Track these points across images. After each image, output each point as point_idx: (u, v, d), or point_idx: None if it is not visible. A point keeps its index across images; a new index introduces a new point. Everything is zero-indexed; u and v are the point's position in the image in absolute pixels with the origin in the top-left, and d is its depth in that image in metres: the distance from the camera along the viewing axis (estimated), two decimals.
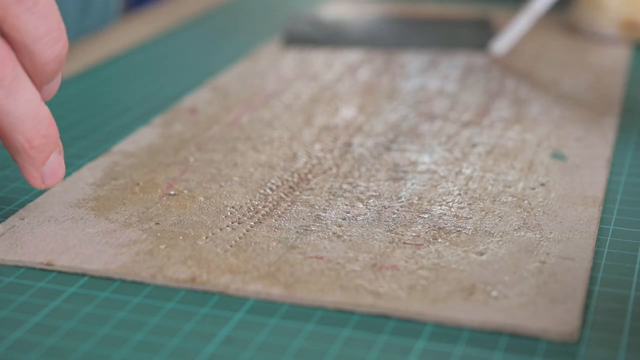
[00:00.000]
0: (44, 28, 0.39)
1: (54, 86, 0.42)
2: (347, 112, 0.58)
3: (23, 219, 0.44)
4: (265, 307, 0.37)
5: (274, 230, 0.43)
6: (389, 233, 0.42)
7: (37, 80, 0.40)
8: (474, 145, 0.53)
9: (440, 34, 0.76)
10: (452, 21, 0.80)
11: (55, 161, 0.42)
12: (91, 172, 0.49)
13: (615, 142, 0.55)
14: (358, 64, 0.68)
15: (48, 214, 0.44)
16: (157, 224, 0.43)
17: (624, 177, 0.50)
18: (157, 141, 0.53)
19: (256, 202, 0.45)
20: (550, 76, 0.66)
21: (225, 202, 0.45)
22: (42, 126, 0.40)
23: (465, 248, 0.41)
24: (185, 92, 0.62)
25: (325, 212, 0.44)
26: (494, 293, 0.37)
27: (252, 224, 0.43)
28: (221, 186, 0.47)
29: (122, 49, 0.72)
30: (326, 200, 0.45)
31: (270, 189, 0.47)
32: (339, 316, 0.37)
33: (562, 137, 0.54)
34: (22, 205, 0.46)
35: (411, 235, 0.42)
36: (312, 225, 0.43)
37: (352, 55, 0.70)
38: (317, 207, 0.45)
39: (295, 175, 0.48)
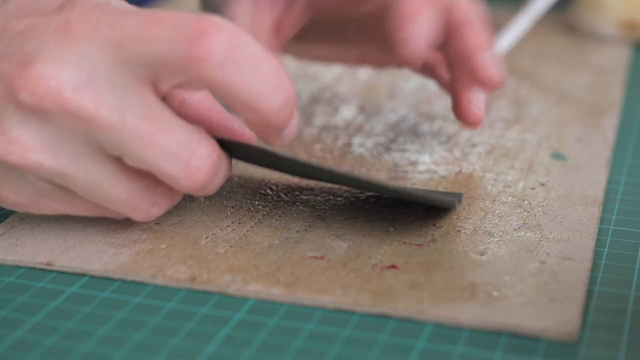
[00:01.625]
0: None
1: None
2: (347, 112, 0.57)
3: (23, 219, 0.44)
4: (265, 307, 0.37)
5: (275, 230, 0.43)
6: (389, 233, 0.42)
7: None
8: (474, 145, 0.53)
9: None
10: None
11: (294, 120, 0.40)
12: None
13: (615, 142, 0.55)
14: None
15: (48, 214, 0.44)
16: (157, 223, 0.43)
17: (624, 177, 0.50)
18: None
19: (256, 202, 0.45)
20: (550, 76, 0.66)
21: (225, 202, 0.45)
22: (284, 92, 0.37)
23: (465, 248, 0.41)
24: None
25: (325, 212, 0.44)
26: (494, 293, 0.37)
27: (253, 224, 0.43)
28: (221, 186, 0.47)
29: None
30: (326, 200, 0.45)
31: (271, 189, 0.47)
32: (339, 316, 0.37)
33: (562, 137, 0.54)
34: None
35: (411, 235, 0.42)
36: (312, 225, 0.43)
37: None
38: (317, 207, 0.45)
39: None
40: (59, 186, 0.39)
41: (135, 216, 0.40)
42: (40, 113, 0.37)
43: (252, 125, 0.39)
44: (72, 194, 0.40)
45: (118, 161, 0.38)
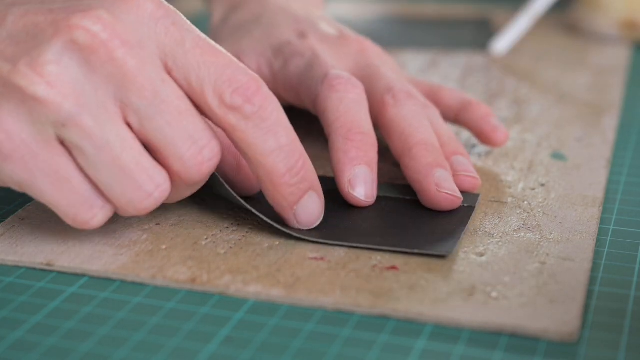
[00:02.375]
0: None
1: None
2: None
3: (23, 219, 0.44)
4: (265, 307, 0.37)
5: (275, 231, 0.43)
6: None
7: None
8: (473, 146, 0.53)
9: (440, 34, 0.76)
10: (452, 21, 0.80)
11: (310, 201, 0.41)
12: None
13: (615, 142, 0.55)
14: None
15: (48, 214, 0.44)
16: (157, 224, 0.43)
17: (624, 177, 0.50)
18: None
19: None
20: (550, 76, 0.66)
21: (226, 203, 0.45)
22: (293, 161, 0.40)
23: (465, 248, 0.41)
24: None
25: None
26: (494, 294, 0.37)
27: (253, 224, 0.43)
28: None
29: None
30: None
31: None
32: (339, 316, 0.37)
33: (562, 137, 0.54)
34: (22, 205, 0.46)
35: None
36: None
37: None
38: None
39: None
40: (61, 144, 0.38)
41: (136, 197, 0.39)
42: (85, 53, 0.38)
43: (262, 185, 0.41)
44: (66, 160, 0.38)
45: (133, 132, 0.39)
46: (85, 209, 0.39)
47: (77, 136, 0.38)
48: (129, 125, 0.38)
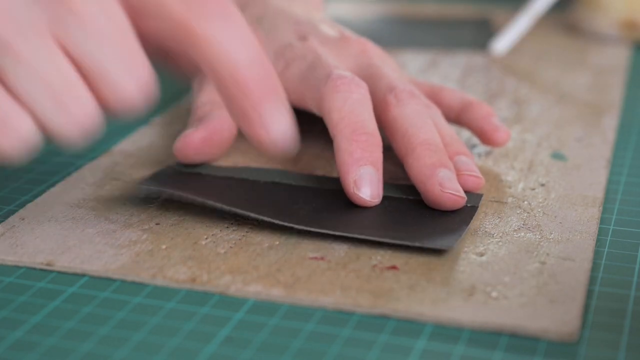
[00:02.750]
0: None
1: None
2: None
3: (23, 219, 0.44)
4: (265, 307, 0.37)
5: (275, 231, 0.43)
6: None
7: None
8: (474, 146, 0.53)
9: (440, 34, 0.76)
10: (452, 21, 0.80)
11: (277, 113, 0.39)
12: (91, 172, 0.49)
13: (615, 142, 0.55)
14: None
15: (48, 214, 0.44)
16: (157, 224, 0.43)
17: (624, 177, 0.50)
18: (157, 141, 0.53)
19: None
20: (550, 76, 0.66)
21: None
22: (256, 52, 0.38)
23: (465, 248, 0.41)
24: (185, 92, 0.62)
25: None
26: (494, 294, 0.37)
27: (253, 224, 0.43)
28: None
29: None
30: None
31: None
32: (339, 316, 0.37)
33: (562, 137, 0.54)
34: (22, 205, 0.46)
35: None
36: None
37: None
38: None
39: None
40: None
41: (61, 119, 0.37)
42: None
43: (228, 100, 0.39)
44: None
45: (64, 50, 0.37)
46: (45, 122, 0.38)
47: (9, 60, 0.37)
48: (63, 49, 0.37)
